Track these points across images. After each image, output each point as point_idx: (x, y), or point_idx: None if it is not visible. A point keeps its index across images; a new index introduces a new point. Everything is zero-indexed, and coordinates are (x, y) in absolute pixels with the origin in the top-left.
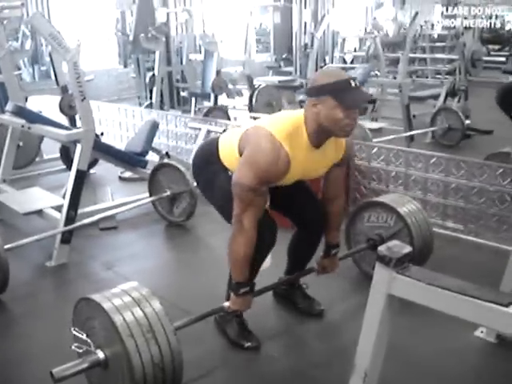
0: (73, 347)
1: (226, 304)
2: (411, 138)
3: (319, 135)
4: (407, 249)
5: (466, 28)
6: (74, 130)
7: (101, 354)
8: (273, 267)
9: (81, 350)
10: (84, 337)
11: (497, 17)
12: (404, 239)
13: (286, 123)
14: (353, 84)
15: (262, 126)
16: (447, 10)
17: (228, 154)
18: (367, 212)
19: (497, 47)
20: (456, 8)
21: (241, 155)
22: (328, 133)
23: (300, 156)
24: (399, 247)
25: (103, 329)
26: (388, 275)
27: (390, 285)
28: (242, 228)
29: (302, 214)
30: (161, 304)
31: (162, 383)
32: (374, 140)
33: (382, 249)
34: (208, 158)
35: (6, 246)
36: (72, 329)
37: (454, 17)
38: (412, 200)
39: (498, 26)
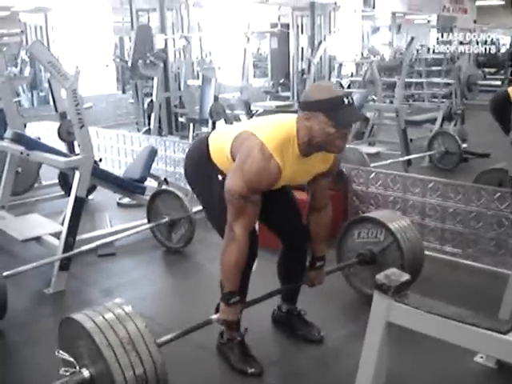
0: (61, 371)
1: (214, 316)
2: (409, 162)
3: (310, 147)
4: (405, 277)
5: (461, 53)
6: (73, 157)
7: (86, 373)
8: (263, 281)
9: (67, 373)
10: (67, 357)
11: (492, 41)
12: (394, 253)
13: (278, 132)
14: (345, 101)
15: (254, 133)
16: (442, 36)
17: (219, 153)
18: (358, 228)
19: (493, 70)
20: (451, 34)
21: (232, 157)
22: (319, 147)
23: (289, 164)
24: (397, 275)
25: (87, 348)
26: (386, 303)
27: (388, 313)
28: (234, 236)
29: (285, 226)
30: (143, 321)
31: None
32: (372, 165)
33: (380, 277)
34: (199, 160)
35: (5, 273)
36: (57, 351)
37: (450, 43)
38: (403, 216)
39: (494, 51)
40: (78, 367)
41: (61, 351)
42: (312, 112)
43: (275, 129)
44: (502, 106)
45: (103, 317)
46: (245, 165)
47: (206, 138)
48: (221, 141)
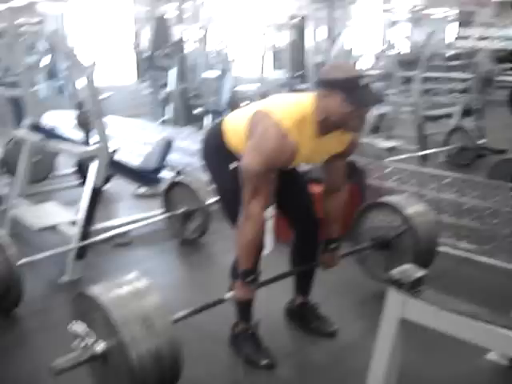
0: (73, 345)
1: (229, 295)
2: (425, 157)
3: (326, 126)
4: (420, 272)
5: (480, 49)
6: (90, 147)
7: (99, 347)
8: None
9: (81, 346)
10: (82, 330)
11: None
12: (408, 239)
13: (294, 110)
14: (363, 82)
15: (270, 111)
16: (461, 31)
17: (234, 134)
18: (374, 212)
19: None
20: (470, 29)
21: (248, 137)
22: (336, 125)
23: (306, 143)
24: (412, 271)
25: (101, 322)
26: (401, 299)
27: (402, 309)
28: (251, 214)
29: (298, 211)
30: (158, 296)
31: (161, 374)
32: (388, 159)
33: (395, 272)
34: (214, 144)
35: (21, 261)
36: (71, 323)
37: (468, 38)
38: (419, 202)
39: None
40: (91, 341)
41: (75, 322)
42: (329, 90)
43: (291, 107)
44: None
45: (119, 291)
46: (261, 144)
47: (220, 122)
48: (236, 122)
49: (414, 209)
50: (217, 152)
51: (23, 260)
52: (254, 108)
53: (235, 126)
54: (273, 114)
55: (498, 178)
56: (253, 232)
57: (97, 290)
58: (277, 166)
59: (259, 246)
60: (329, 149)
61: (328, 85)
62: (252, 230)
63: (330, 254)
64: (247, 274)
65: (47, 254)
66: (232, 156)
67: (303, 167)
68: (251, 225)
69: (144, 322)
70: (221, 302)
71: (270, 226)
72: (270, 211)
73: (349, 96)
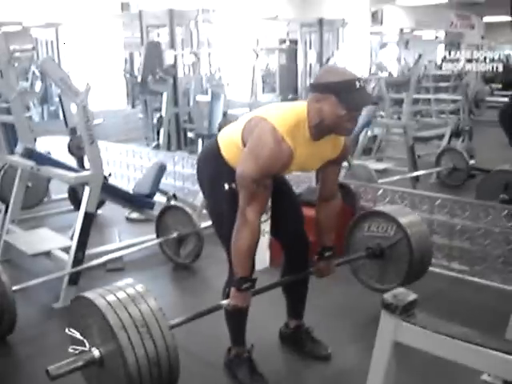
0: (69, 349)
1: (225, 302)
2: (416, 178)
3: (320, 130)
4: (413, 296)
5: (468, 71)
6: (83, 173)
7: (96, 352)
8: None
9: (77, 352)
10: (78, 335)
11: (500, 58)
12: (403, 249)
13: (289, 116)
14: (357, 85)
15: (265, 117)
16: (450, 54)
17: (229, 146)
18: (367, 222)
19: (500, 86)
20: (458, 52)
21: (243, 145)
22: (329, 129)
23: (301, 148)
24: (404, 295)
25: (98, 326)
26: (394, 323)
27: (396, 332)
28: (247, 221)
29: (287, 229)
30: (156, 302)
31: (158, 379)
32: (380, 181)
33: (387, 296)
34: (209, 161)
35: (14, 288)
36: (67, 329)
37: (457, 60)
38: (413, 212)
39: (501, 69)
40: (88, 346)
41: (71, 329)
42: (323, 94)
43: (286, 113)
44: (509, 114)
45: (116, 296)
46: (256, 149)
47: (216, 137)
48: (230, 133)
49: (408, 218)
50: (214, 166)
51: (16, 286)
52: (248, 116)
53: (230, 138)
54: (268, 119)
55: (487, 191)
56: (249, 238)
57: (93, 295)
58: (273, 172)
59: (254, 253)
60: (323, 155)
61: (322, 88)
62: (248, 236)
63: (325, 263)
64: (243, 281)
65: (40, 280)
66: (229, 172)
67: (297, 189)
68: (247, 231)
69: (141, 326)
70: (217, 308)
71: (266, 241)
72: (267, 226)
73: (343, 99)
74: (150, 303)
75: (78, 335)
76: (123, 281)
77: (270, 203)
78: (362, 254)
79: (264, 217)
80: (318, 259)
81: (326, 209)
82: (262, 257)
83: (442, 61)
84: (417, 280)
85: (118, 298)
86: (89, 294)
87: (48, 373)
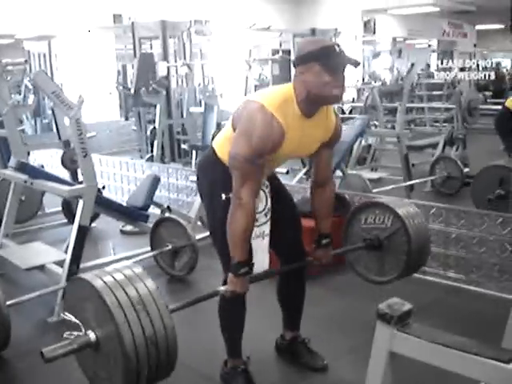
0: (64, 335)
1: (222, 288)
2: (411, 187)
3: (309, 103)
4: (407, 306)
5: (461, 79)
6: (76, 186)
7: (92, 335)
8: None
9: (72, 337)
10: (74, 319)
11: (492, 65)
12: (401, 239)
13: (277, 95)
14: (337, 50)
15: (252, 99)
16: (442, 62)
17: (223, 143)
18: (364, 214)
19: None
20: (451, 61)
21: (234, 130)
22: (318, 100)
23: (293, 126)
24: (399, 305)
25: (94, 307)
26: (389, 333)
27: (391, 342)
28: (241, 202)
29: (284, 239)
30: (154, 283)
31: (156, 360)
32: (374, 190)
33: (382, 307)
34: (207, 166)
35: (8, 302)
36: (62, 314)
37: (450, 69)
38: (410, 203)
39: (493, 77)
40: (83, 330)
41: (66, 313)
42: (306, 64)
43: (273, 92)
44: (505, 120)
45: (113, 277)
46: (247, 129)
47: (210, 145)
48: (222, 133)
49: (405, 208)
50: (210, 177)
51: (11, 301)
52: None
53: (223, 137)
54: (255, 100)
55: (483, 187)
56: (244, 220)
57: (89, 276)
58: (266, 151)
59: (250, 236)
60: (316, 135)
61: (304, 59)
62: (243, 217)
63: (323, 250)
64: (240, 266)
65: (35, 294)
66: (226, 181)
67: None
68: (242, 212)
69: (138, 304)
70: (215, 294)
71: (266, 243)
72: (267, 228)
73: (325, 64)
74: (147, 283)
75: (73, 319)
76: (120, 263)
77: (269, 204)
78: (360, 245)
79: (263, 218)
80: (316, 247)
81: (321, 194)
82: (262, 259)
83: (436, 69)
84: (415, 272)
85: (114, 279)
86: (85, 276)
87: (42, 355)
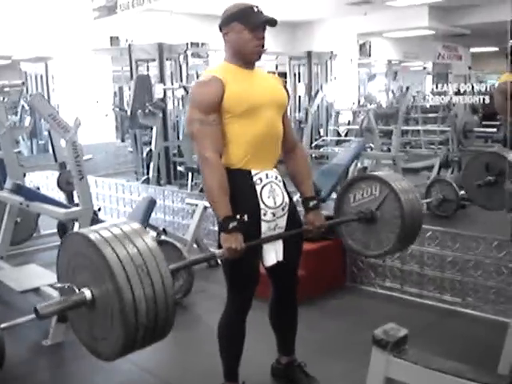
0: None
1: (218, 251)
2: None
3: (238, 59)
4: (403, 332)
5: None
6: (72, 209)
7: (88, 293)
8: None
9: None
10: (69, 274)
11: (487, 90)
12: (392, 205)
13: (215, 66)
14: (255, 9)
15: None
16: (437, 86)
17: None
18: (352, 192)
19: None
20: (445, 85)
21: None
22: (242, 57)
23: (235, 78)
24: (395, 330)
25: (91, 264)
26: (385, 359)
27: (387, 368)
28: (207, 160)
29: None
30: (153, 240)
31: (154, 319)
32: None
33: (378, 332)
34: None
35: (2, 325)
36: (56, 274)
37: (445, 93)
38: (394, 172)
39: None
40: (77, 290)
41: (60, 272)
42: (229, 25)
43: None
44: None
45: (111, 231)
46: (192, 96)
47: None
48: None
49: (390, 176)
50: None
51: (5, 324)
52: None
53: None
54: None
55: (473, 174)
56: (213, 174)
57: (86, 231)
58: (211, 104)
59: (227, 190)
60: (270, 86)
61: (226, 21)
62: (212, 172)
63: (314, 213)
64: (229, 220)
65: (29, 317)
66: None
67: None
68: (209, 168)
69: (137, 260)
70: (213, 257)
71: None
72: (283, 221)
73: (245, 22)
74: (147, 240)
75: (67, 274)
76: (118, 219)
77: (286, 198)
78: (352, 217)
79: (281, 212)
80: (306, 212)
81: (294, 158)
82: (275, 248)
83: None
84: (410, 243)
85: (113, 234)
86: (82, 230)
87: (36, 311)
